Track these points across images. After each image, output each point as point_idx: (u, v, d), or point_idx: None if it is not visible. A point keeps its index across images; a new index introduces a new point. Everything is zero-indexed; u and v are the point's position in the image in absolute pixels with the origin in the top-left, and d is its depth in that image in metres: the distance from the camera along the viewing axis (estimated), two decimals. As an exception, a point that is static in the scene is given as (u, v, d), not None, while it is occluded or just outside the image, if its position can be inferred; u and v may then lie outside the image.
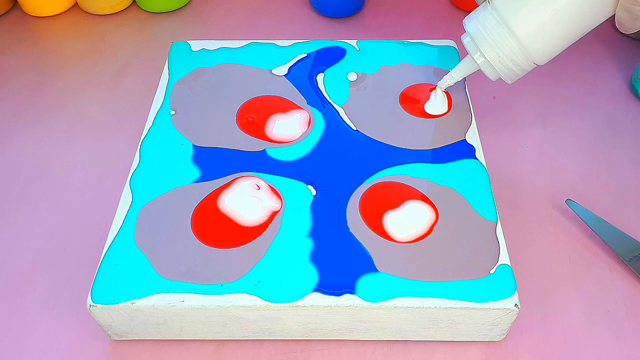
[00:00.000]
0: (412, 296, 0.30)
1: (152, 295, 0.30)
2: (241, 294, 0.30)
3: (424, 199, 0.34)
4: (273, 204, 0.34)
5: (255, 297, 0.30)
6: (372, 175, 0.36)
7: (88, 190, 0.41)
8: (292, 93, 0.41)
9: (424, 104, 0.40)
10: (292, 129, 0.39)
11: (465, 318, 0.30)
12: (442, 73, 0.42)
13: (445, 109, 0.39)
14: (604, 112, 0.47)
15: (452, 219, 0.33)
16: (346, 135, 0.38)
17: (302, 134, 0.38)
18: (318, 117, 0.39)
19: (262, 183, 0.35)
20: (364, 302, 0.30)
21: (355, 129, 0.39)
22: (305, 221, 0.33)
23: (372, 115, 0.40)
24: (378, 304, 0.30)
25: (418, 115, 0.39)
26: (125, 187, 0.35)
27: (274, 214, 0.34)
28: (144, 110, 0.42)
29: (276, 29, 0.55)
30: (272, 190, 0.35)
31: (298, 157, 0.37)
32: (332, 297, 0.30)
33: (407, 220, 0.33)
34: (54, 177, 0.42)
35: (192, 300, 0.30)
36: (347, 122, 0.39)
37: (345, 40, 0.45)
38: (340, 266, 0.31)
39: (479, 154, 0.37)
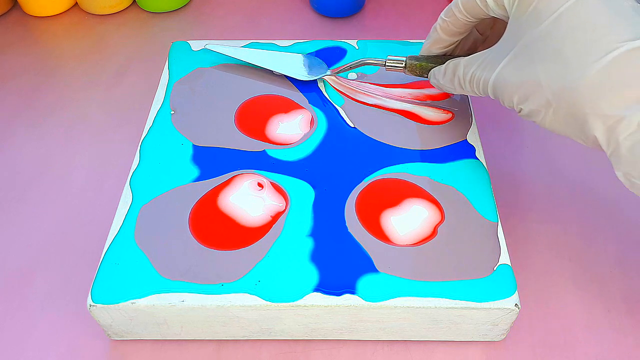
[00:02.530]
0: (413, 296, 0.30)
1: (152, 295, 0.30)
2: (241, 293, 0.30)
3: (424, 196, 0.34)
4: (277, 204, 0.34)
5: (256, 297, 0.30)
6: (372, 174, 0.36)
7: (88, 190, 0.41)
8: (293, 92, 0.41)
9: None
10: (294, 129, 0.39)
11: (465, 318, 0.30)
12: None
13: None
14: (604, 112, 0.47)
15: (455, 219, 0.33)
16: (348, 136, 0.38)
17: (304, 135, 0.38)
18: (320, 118, 0.39)
19: (265, 181, 0.35)
20: (364, 302, 0.30)
21: (352, 125, 0.39)
22: (306, 221, 0.33)
23: (372, 116, 0.40)
24: (378, 303, 0.30)
25: (417, 121, 0.39)
26: (125, 187, 0.35)
27: (278, 214, 0.34)
28: (144, 110, 0.41)
29: (276, 29, 0.55)
30: (275, 189, 0.35)
31: (300, 157, 0.37)
32: (332, 297, 0.30)
33: (408, 221, 0.33)
34: (54, 177, 0.42)
35: (192, 300, 0.30)
36: (347, 121, 0.39)
37: (345, 40, 0.45)
38: (340, 266, 0.31)
39: (479, 153, 0.37)
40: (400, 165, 0.36)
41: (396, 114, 0.39)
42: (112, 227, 0.33)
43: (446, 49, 0.36)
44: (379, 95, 0.41)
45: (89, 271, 0.34)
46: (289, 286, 0.30)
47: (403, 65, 0.37)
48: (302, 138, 0.38)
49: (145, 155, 0.37)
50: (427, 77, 0.38)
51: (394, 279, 0.31)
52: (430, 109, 0.40)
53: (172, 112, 0.40)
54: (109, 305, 0.30)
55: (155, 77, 0.44)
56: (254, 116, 0.40)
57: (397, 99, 0.40)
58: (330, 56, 0.44)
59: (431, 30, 0.36)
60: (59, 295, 0.35)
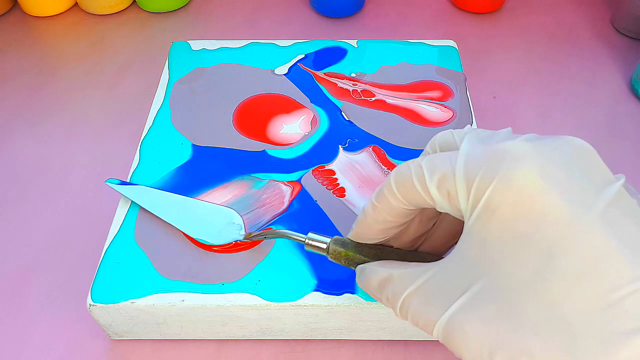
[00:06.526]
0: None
1: (152, 295, 0.30)
2: (241, 293, 0.30)
3: None
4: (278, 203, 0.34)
5: (256, 296, 0.30)
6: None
7: (88, 190, 0.41)
8: (294, 92, 0.41)
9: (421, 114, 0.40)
10: (295, 130, 0.39)
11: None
12: (442, 72, 0.42)
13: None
14: (604, 112, 0.47)
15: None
16: (349, 134, 0.38)
17: (305, 135, 0.38)
18: (322, 117, 0.39)
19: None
20: (364, 301, 0.30)
21: (347, 119, 0.39)
22: (306, 220, 0.33)
23: (373, 116, 0.40)
24: (378, 303, 0.30)
25: (416, 122, 0.39)
26: (125, 187, 0.35)
27: (279, 213, 0.34)
28: (144, 110, 0.42)
29: (276, 29, 0.55)
30: (276, 188, 0.35)
31: (299, 154, 0.37)
32: (332, 296, 0.30)
33: None
34: (54, 177, 0.42)
35: (192, 299, 0.30)
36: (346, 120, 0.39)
37: (345, 40, 0.45)
38: (340, 265, 0.31)
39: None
40: (400, 161, 0.36)
41: (397, 115, 0.39)
42: (112, 227, 0.33)
43: (380, 240, 0.26)
44: (380, 94, 0.41)
45: (89, 271, 0.34)
46: (289, 286, 0.30)
47: (325, 248, 0.28)
48: (302, 138, 0.38)
49: (145, 155, 0.37)
50: (353, 268, 0.27)
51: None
52: (432, 106, 0.40)
53: (172, 112, 0.40)
54: (109, 305, 0.30)
55: (155, 77, 0.44)
56: (255, 116, 0.40)
57: (398, 98, 0.40)
58: (330, 56, 0.44)
59: (361, 212, 0.26)
60: (59, 295, 0.35)
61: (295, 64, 0.43)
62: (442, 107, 0.40)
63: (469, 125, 0.24)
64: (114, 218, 0.34)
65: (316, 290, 0.30)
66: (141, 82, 0.49)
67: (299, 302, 0.30)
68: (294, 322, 0.31)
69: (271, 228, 0.30)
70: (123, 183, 0.35)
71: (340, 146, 0.37)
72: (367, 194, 0.34)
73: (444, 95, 0.41)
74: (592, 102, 0.48)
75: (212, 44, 0.45)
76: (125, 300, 0.30)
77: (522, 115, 0.46)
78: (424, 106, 0.40)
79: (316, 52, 0.44)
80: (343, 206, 0.34)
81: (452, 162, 0.22)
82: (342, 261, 0.27)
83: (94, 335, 0.33)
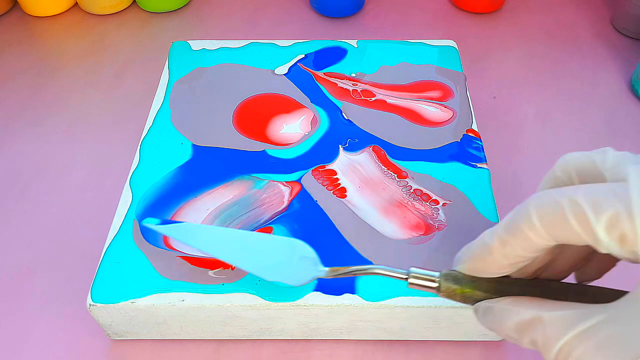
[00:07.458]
0: (413, 296, 0.30)
1: (152, 295, 0.30)
2: (241, 293, 0.30)
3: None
4: (277, 203, 0.34)
5: (256, 296, 0.30)
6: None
7: (88, 190, 0.41)
8: (293, 92, 0.41)
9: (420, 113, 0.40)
10: (295, 129, 0.39)
11: (465, 317, 0.30)
12: (442, 72, 0.42)
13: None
14: (604, 112, 0.47)
15: (455, 218, 0.33)
16: (349, 134, 0.38)
17: (305, 135, 0.38)
18: (323, 117, 0.39)
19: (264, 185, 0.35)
20: (364, 301, 0.30)
21: (347, 117, 0.39)
22: (306, 220, 0.33)
23: (373, 116, 0.40)
24: (378, 303, 0.30)
25: (416, 122, 0.39)
26: (125, 187, 0.35)
27: (278, 213, 0.34)
28: (144, 110, 0.42)
29: (276, 29, 0.55)
30: (275, 189, 0.35)
31: (299, 154, 0.37)
32: (332, 296, 0.30)
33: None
34: (54, 177, 0.42)
35: (192, 299, 0.30)
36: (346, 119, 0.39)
37: (345, 40, 0.45)
38: (340, 265, 0.31)
39: (480, 153, 0.37)
40: (402, 163, 0.36)
41: (397, 115, 0.39)
42: (112, 227, 0.33)
43: (504, 274, 0.24)
44: (380, 94, 0.41)
45: (89, 271, 0.34)
46: (289, 286, 0.30)
47: (436, 286, 0.25)
48: (302, 138, 0.38)
49: (145, 155, 0.37)
50: (470, 304, 0.25)
51: (393, 279, 0.30)
52: (432, 106, 0.40)
53: (172, 112, 0.40)
54: (109, 305, 0.30)
55: (155, 77, 0.44)
56: (255, 116, 0.40)
57: (397, 98, 0.40)
58: (330, 56, 0.44)
59: (478, 244, 0.24)
60: (59, 295, 0.35)
61: (295, 64, 0.43)
62: (442, 107, 0.40)
63: (610, 148, 0.21)
64: (114, 218, 0.34)
65: (316, 290, 0.30)
66: (141, 82, 0.49)
67: (299, 302, 0.30)
68: (294, 322, 0.31)
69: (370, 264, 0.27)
70: (165, 222, 0.30)
71: (340, 146, 0.37)
72: (367, 195, 0.34)
73: (444, 95, 0.41)
74: (592, 102, 0.48)
75: (212, 44, 0.45)
76: (125, 300, 0.30)
77: (522, 115, 0.46)
78: (424, 106, 0.40)
79: (316, 52, 0.44)
80: (343, 206, 0.34)
81: (623, 199, 0.19)
82: (457, 298, 0.25)
83: (94, 335, 0.33)
